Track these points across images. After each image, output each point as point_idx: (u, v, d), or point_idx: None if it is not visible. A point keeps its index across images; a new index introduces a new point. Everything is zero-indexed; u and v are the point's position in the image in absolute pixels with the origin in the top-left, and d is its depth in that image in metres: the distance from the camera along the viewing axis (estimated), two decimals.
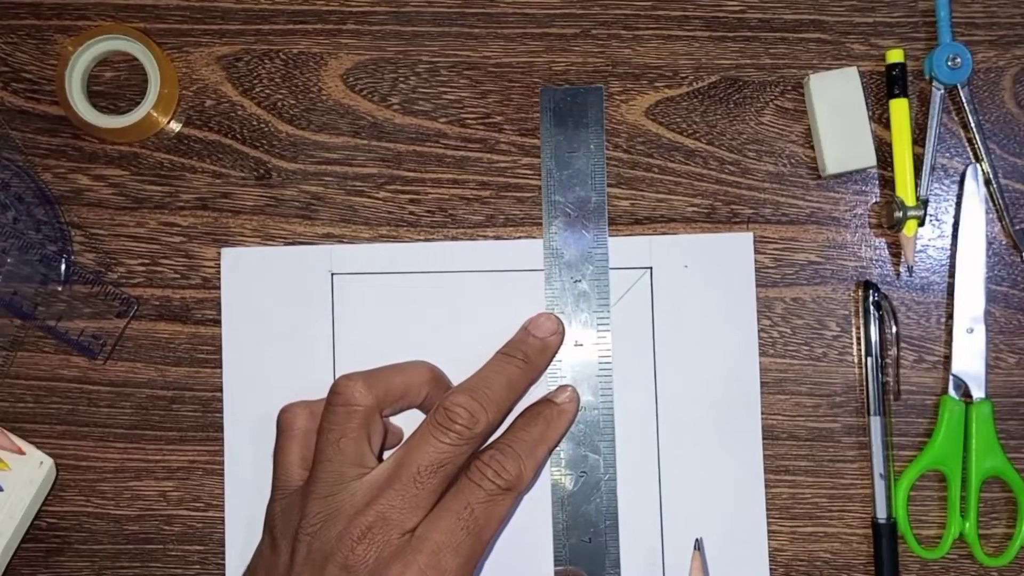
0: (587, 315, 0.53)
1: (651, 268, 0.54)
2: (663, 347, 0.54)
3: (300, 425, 0.51)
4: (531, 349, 0.52)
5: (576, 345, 0.53)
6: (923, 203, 0.53)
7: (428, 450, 0.47)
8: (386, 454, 0.50)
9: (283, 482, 0.50)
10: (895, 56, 0.54)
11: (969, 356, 0.54)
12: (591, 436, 0.53)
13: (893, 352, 0.54)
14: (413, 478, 0.47)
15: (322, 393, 0.50)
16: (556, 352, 0.53)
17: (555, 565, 0.53)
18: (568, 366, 0.53)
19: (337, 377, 0.50)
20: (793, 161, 0.55)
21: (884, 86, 0.55)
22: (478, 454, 0.49)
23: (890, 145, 0.54)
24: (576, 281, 0.53)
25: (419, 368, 0.52)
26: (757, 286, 0.55)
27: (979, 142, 0.54)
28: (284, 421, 0.51)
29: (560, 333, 0.53)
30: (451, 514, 0.47)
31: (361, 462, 0.48)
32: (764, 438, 0.54)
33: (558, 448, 0.53)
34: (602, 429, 0.53)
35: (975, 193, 0.54)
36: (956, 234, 0.55)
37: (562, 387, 0.53)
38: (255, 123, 0.55)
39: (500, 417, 0.50)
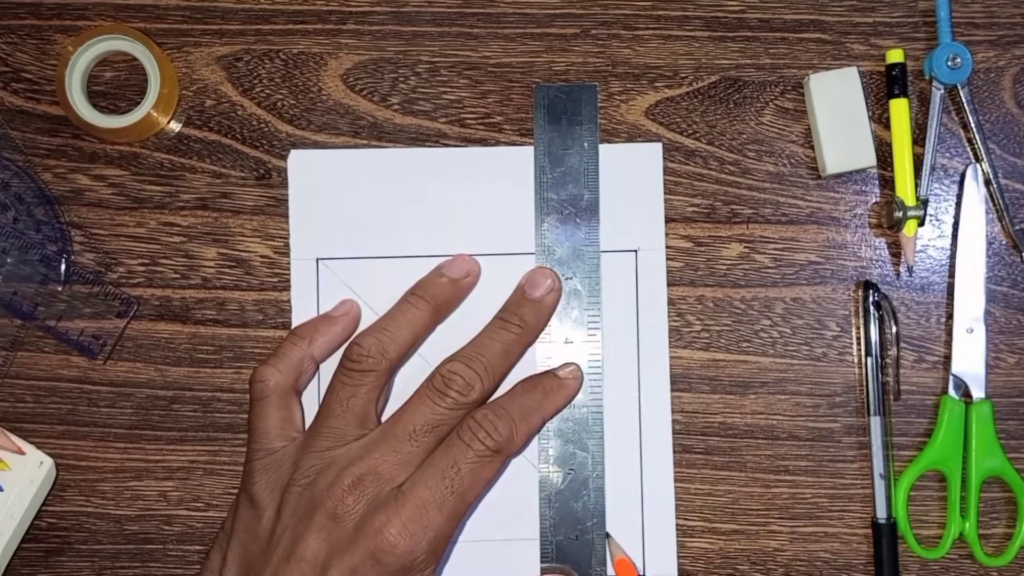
0: (578, 313, 0.53)
1: (636, 251, 0.54)
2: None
3: (275, 388, 0.51)
4: (527, 312, 0.52)
5: (566, 343, 0.53)
6: (923, 203, 0.53)
7: (424, 411, 0.49)
8: None
9: (262, 444, 0.50)
10: (895, 56, 0.54)
11: (969, 356, 0.54)
12: (579, 433, 0.53)
13: (893, 352, 0.54)
14: (408, 435, 0.48)
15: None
16: (554, 310, 0.53)
17: (542, 562, 0.53)
18: (558, 363, 0.53)
19: (353, 338, 0.51)
20: (793, 161, 0.55)
21: (884, 86, 0.55)
22: (472, 413, 0.49)
23: (890, 145, 0.54)
24: (567, 279, 0.53)
25: (421, 313, 0.52)
26: (757, 286, 0.55)
27: (979, 142, 0.54)
28: (258, 387, 0.51)
29: (557, 289, 0.53)
30: (438, 471, 0.47)
31: (364, 423, 0.50)
32: (764, 438, 0.54)
33: (546, 445, 0.53)
34: (591, 427, 0.53)
35: (975, 193, 0.54)
36: (956, 234, 0.55)
37: (568, 363, 0.53)
38: (255, 123, 0.55)
39: (495, 383, 0.51)
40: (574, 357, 0.53)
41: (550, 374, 0.52)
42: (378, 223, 0.54)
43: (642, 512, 0.53)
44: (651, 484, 0.53)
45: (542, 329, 0.53)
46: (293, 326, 0.54)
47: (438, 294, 0.52)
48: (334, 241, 0.54)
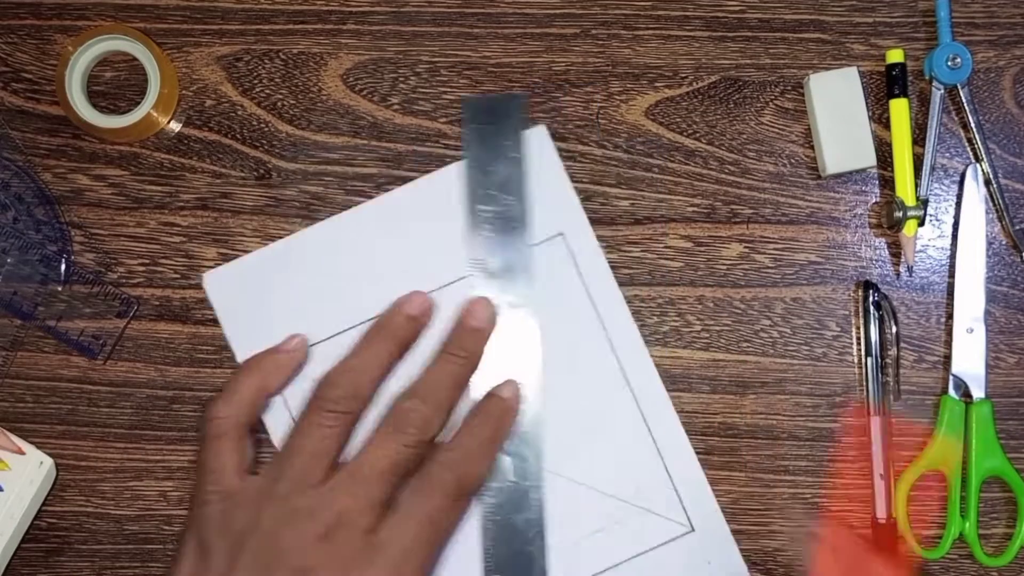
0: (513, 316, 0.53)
1: (562, 234, 0.54)
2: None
3: (233, 426, 0.49)
4: (470, 342, 0.52)
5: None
6: (923, 203, 0.53)
7: (387, 452, 0.48)
8: None
9: (217, 485, 0.48)
10: (895, 56, 0.54)
11: (969, 356, 0.54)
12: (518, 446, 0.52)
13: (893, 352, 0.54)
14: (376, 479, 0.48)
15: None
16: (491, 336, 0.53)
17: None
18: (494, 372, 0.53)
19: (326, 372, 0.50)
20: (793, 161, 0.55)
21: (884, 86, 0.55)
22: (434, 456, 0.49)
23: (890, 145, 0.54)
24: (504, 291, 0.53)
25: (385, 352, 0.51)
26: (757, 286, 0.55)
27: (979, 142, 0.54)
28: (215, 425, 0.49)
29: (494, 320, 0.53)
30: (412, 521, 0.47)
31: (332, 466, 0.48)
32: (764, 438, 0.54)
33: None
34: (530, 439, 0.53)
35: (975, 193, 0.54)
36: (956, 234, 0.55)
37: (508, 381, 0.52)
38: (255, 123, 0.55)
39: (448, 416, 0.51)
40: (515, 365, 0.53)
41: (496, 399, 0.52)
42: (315, 305, 0.53)
43: (672, 481, 0.53)
44: (672, 461, 0.53)
45: (482, 355, 0.53)
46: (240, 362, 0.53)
47: (400, 334, 0.52)
48: (275, 339, 0.53)
